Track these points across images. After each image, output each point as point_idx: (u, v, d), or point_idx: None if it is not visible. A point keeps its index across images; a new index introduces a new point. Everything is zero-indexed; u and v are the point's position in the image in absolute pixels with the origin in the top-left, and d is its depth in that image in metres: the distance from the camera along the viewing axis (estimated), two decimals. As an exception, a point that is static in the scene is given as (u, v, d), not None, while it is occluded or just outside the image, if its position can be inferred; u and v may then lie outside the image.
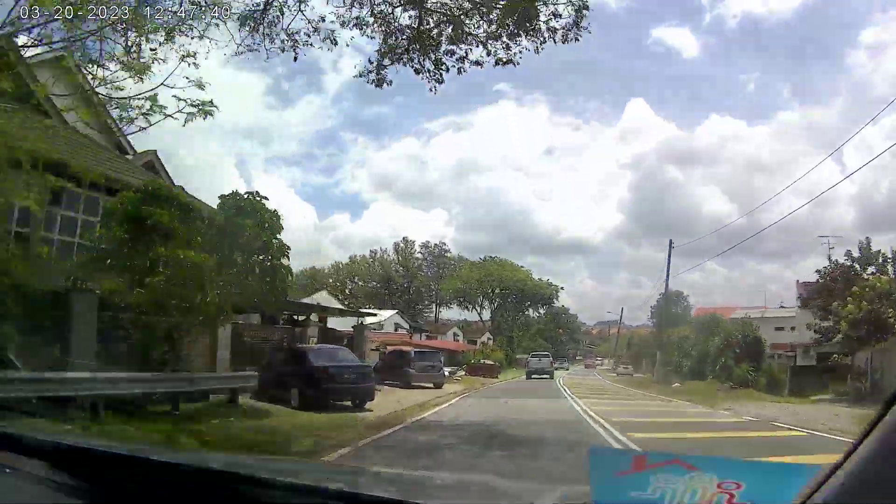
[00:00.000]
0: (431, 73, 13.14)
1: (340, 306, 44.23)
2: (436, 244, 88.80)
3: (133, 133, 15.19)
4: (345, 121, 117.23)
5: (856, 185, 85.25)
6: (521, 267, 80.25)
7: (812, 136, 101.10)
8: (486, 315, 79.51)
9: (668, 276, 44.45)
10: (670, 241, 44.76)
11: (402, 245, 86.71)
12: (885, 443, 1.01)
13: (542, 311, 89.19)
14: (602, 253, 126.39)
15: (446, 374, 33.86)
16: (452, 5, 12.72)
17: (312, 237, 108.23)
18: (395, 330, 57.89)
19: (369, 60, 13.64)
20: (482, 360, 50.24)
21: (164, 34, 11.59)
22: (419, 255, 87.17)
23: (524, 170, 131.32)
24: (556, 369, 64.49)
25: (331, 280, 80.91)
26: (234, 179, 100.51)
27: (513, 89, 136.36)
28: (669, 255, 43.58)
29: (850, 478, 1.03)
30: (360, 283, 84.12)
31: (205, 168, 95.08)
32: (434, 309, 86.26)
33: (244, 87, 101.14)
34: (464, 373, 44.81)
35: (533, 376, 46.85)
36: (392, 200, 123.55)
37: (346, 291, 78.92)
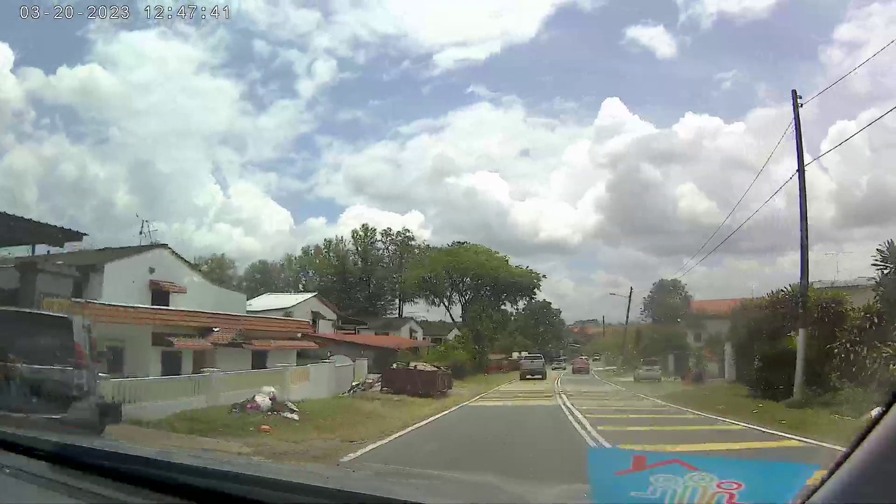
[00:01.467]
0: None
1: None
2: (399, 231, 75.34)
3: None
4: (320, 125, 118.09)
5: (834, 181, 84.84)
6: (497, 253, 65.99)
7: (789, 133, 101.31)
8: (461, 312, 66.80)
9: (798, 138, 22.71)
10: (794, 91, 24.11)
11: (360, 233, 73.90)
12: (884, 443, 1.01)
13: (521, 304, 75.27)
14: (580, 253, 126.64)
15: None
16: None
17: (289, 241, 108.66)
18: (314, 321, 41.62)
19: None
20: (415, 365, 29.05)
21: None
22: (380, 245, 75.20)
23: (500, 171, 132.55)
24: (555, 369, 64.12)
25: (282, 275, 72.65)
26: (211, 186, 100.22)
27: (488, 91, 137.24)
28: (797, 115, 23.13)
29: (850, 478, 1.03)
30: (314, 276, 73.05)
31: (182, 175, 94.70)
32: (398, 304, 73.39)
33: (218, 93, 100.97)
34: (380, 386, 26.18)
35: (528, 376, 46.87)
36: (368, 204, 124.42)
37: (300, 287, 69.02)
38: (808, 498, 1.08)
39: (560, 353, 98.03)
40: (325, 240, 75.81)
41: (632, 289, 66.73)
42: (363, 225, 75.46)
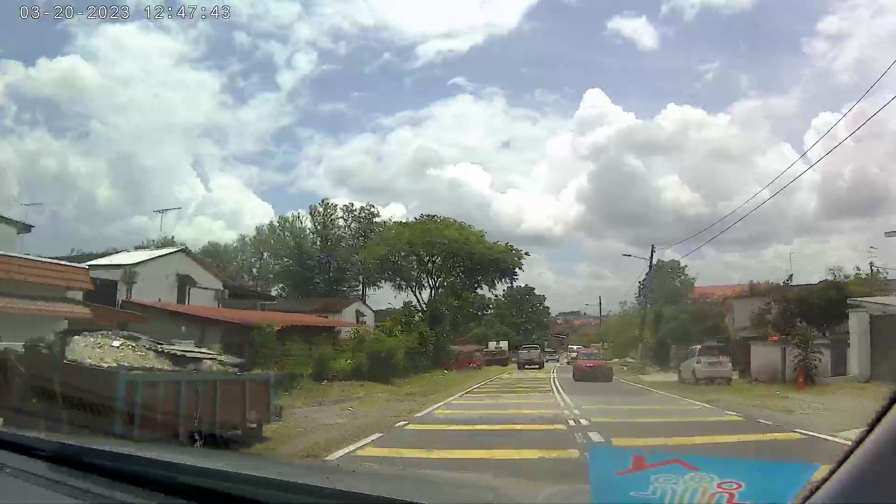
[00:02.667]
0: None
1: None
2: (362, 206, 65.53)
3: None
4: (301, 118, 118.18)
5: (818, 172, 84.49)
6: (470, 226, 55.27)
7: (772, 124, 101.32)
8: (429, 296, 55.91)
9: None
10: None
11: (319, 209, 64.09)
12: (885, 443, 1.01)
13: (501, 289, 63.17)
14: (562, 245, 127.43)
15: None
16: None
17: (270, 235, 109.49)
18: (183, 287, 30.68)
19: None
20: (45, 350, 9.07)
21: None
22: (342, 222, 65.04)
23: (482, 163, 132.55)
24: (547, 361, 59.36)
25: (236, 259, 63.07)
26: (191, 179, 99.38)
27: (469, 83, 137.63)
28: None
29: (850, 478, 1.03)
30: (269, 259, 64.39)
31: (162, 169, 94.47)
32: (361, 288, 62.86)
33: (198, 85, 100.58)
34: None
35: (525, 367, 47.15)
36: (349, 196, 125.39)
37: (253, 271, 61.83)
38: (809, 498, 1.08)
39: (545, 343, 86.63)
40: (279, 217, 65.60)
41: (653, 247, 49.98)
42: (323, 200, 66.47)
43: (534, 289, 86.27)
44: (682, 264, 58.84)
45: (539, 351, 54.27)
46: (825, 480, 1.07)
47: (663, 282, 59.14)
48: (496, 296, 68.22)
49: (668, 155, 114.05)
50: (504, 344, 58.02)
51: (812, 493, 1.08)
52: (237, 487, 1.71)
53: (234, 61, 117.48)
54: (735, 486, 1.19)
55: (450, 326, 43.01)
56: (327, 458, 8.87)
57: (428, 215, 57.17)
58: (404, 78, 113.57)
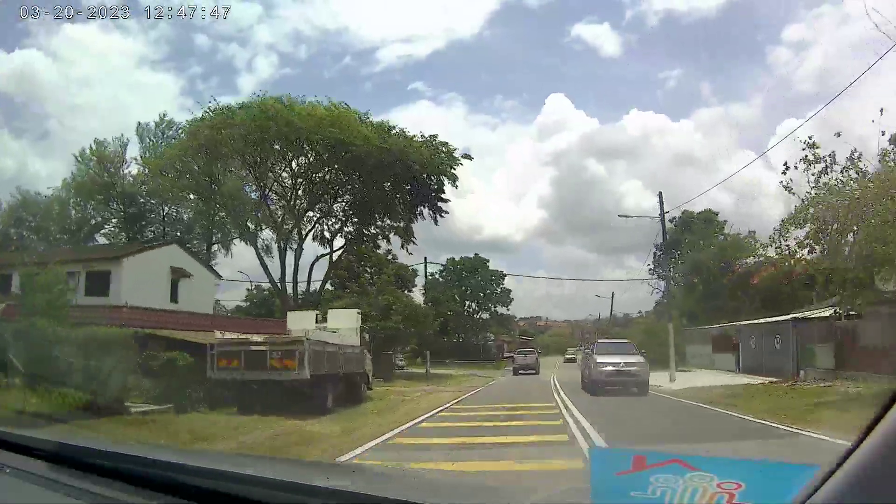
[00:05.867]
0: None
1: None
2: (209, 110, 34.25)
3: None
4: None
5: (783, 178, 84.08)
6: (359, 113, 31.34)
7: (734, 131, 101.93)
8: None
9: None
10: None
11: (151, 127, 41.34)
12: (884, 443, 1.00)
13: (423, 224, 35.66)
14: (523, 251, 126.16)
15: None
16: None
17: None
18: None
19: None
20: None
21: None
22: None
23: None
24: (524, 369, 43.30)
25: (52, 216, 38.85)
26: None
27: (429, 88, 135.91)
28: None
29: (850, 478, 1.03)
30: (91, 209, 41.16)
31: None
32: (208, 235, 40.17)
33: (158, 87, 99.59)
34: None
35: (520, 372, 43.94)
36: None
37: (72, 227, 39.78)
38: (809, 498, 1.08)
39: (503, 348, 64.74)
40: (94, 141, 41.04)
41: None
42: (160, 114, 42.27)
43: (487, 260, 61.04)
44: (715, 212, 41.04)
45: (535, 355, 51.52)
46: (825, 480, 1.07)
47: (700, 241, 41.09)
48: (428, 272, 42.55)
49: (631, 161, 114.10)
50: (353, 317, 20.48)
51: (812, 493, 1.08)
52: (237, 487, 1.71)
53: (193, 63, 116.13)
54: (735, 486, 1.19)
55: None
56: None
57: (282, 97, 31.99)
58: (364, 82, 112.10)
